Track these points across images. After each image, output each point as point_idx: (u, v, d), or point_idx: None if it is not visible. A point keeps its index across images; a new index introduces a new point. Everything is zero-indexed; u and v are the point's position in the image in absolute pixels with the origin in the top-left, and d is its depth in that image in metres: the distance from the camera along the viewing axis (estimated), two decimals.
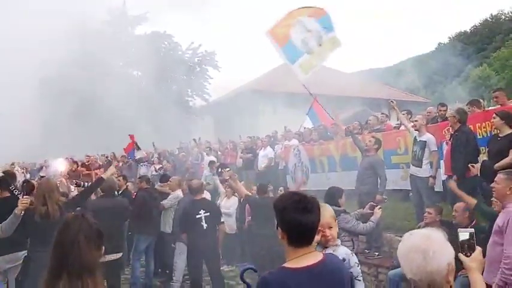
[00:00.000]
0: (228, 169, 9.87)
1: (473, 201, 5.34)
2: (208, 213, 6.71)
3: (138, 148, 15.28)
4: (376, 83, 33.10)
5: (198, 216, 6.63)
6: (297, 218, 2.15)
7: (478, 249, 2.16)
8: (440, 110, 9.01)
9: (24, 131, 22.41)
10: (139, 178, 8.95)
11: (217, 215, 7.09)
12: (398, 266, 6.23)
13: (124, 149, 16.06)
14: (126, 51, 29.05)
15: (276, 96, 24.71)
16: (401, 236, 6.70)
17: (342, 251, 3.42)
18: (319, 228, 2.45)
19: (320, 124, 12.71)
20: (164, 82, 29.52)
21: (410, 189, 8.43)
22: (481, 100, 9.20)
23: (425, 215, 6.07)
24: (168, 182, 8.72)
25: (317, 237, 2.38)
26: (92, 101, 25.16)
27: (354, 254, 3.56)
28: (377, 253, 7.50)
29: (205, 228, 6.63)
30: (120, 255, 6.40)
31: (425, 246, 1.94)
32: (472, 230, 2.23)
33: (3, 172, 5.86)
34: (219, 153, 15.06)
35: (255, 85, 28.61)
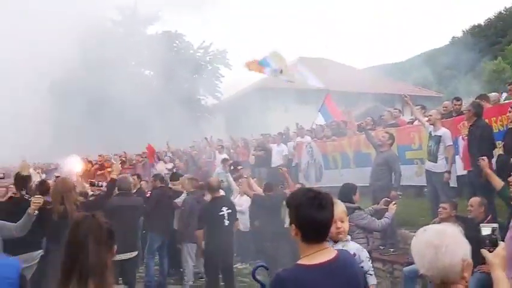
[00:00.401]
0: (240, 167, 9.96)
1: (500, 183, 5.18)
2: (230, 210, 6.78)
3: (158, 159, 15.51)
4: (388, 79, 32.87)
5: (221, 213, 6.65)
6: (312, 215, 2.13)
7: (501, 244, 2.10)
8: (455, 105, 8.87)
9: (36, 132, 22.68)
10: (153, 177, 8.98)
11: (235, 212, 7.13)
12: (414, 262, 6.22)
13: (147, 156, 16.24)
14: (137, 51, 29.24)
15: (287, 93, 24.66)
16: (416, 232, 6.64)
17: (353, 246, 3.43)
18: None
19: (333, 120, 12.66)
20: (176, 81, 29.62)
21: (424, 185, 8.37)
22: (498, 94, 9.06)
23: (440, 210, 5.99)
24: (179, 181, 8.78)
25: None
26: (104, 101, 25.37)
27: (364, 249, 3.57)
28: (392, 249, 7.44)
29: (227, 225, 6.68)
30: (135, 253, 6.43)
31: (438, 242, 1.93)
32: (495, 224, 2.17)
33: (18, 173, 5.89)
34: (231, 151, 15.09)
35: (266, 83, 28.56)
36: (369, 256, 3.53)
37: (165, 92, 27.84)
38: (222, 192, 7.57)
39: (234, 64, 33.49)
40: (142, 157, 17.06)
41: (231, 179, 9.79)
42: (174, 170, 13.09)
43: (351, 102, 19.79)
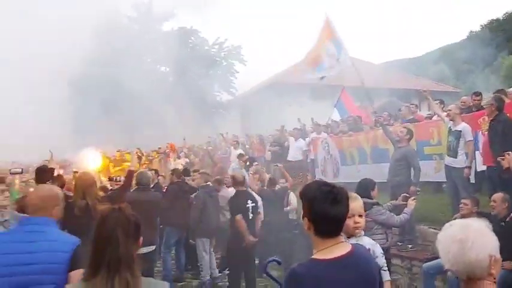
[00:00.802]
0: (256, 163, 9.96)
1: None
2: (253, 204, 6.87)
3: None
4: (405, 74, 32.51)
5: (247, 206, 6.75)
6: (326, 210, 2.08)
7: None
8: (475, 99, 8.74)
9: (55, 128, 22.93)
10: (171, 172, 9.04)
11: (258, 205, 7.18)
12: (434, 259, 6.15)
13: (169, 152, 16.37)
14: (153, 47, 29.38)
15: (302, 89, 24.55)
16: (435, 228, 6.62)
17: (366, 241, 3.37)
18: (349, 215, 2.40)
19: (349, 115, 12.59)
20: (191, 77, 29.74)
21: (442, 181, 8.28)
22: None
23: (461, 206, 5.92)
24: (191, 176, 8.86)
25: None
26: (120, 98, 25.57)
27: (378, 244, 3.52)
28: (410, 246, 7.37)
29: (250, 218, 6.76)
30: (153, 248, 6.48)
31: (464, 236, 1.90)
32: None
33: (40, 167, 5.97)
34: (246, 146, 15.11)
35: (280, 78, 28.49)
36: (382, 252, 3.48)
37: (180, 88, 27.94)
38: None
39: (248, 60, 33.54)
40: (158, 153, 17.19)
41: (246, 174, 9.81)
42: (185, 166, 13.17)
43: (367, 97, 19.59)
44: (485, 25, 49.79)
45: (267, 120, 19.37)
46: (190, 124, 24.47)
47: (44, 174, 5.63)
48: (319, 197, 2.11)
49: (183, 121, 24.60)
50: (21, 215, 4.19)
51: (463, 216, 5.81)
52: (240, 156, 11.75)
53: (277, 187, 8.59)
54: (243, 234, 6.63)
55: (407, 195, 5.88)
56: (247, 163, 10.69)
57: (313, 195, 2.13)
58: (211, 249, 7.76)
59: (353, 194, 2.96)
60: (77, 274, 2.50)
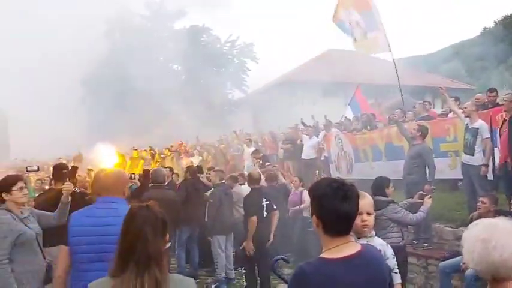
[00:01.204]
0: (268, 163, 9.94)
1: None
2: (268, 202, 6.86)
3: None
4: (418, 71, 32.22)
5: (262, 203, 6.76)
6: (336, 207, 2.02)
7: None
8: (490, 96, 8.64)
9: (67, 128, 23.17)
10: (185, 169, 9.08)
11: (272, 204, 7.16)
12: (450, 257, 6.10)
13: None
14: (165, 46, 29.50)
15: (314, 86, 24.47)
16: (451, 227, 6.55)
17: (377, 242, 3.28)
18: (358, 212, 2.34)
19: (363, 113, 12.51)
20: (203, 75, 29.83)
21: (458, 178, 8.19)
22: None
23: (478, 204, 5.85)
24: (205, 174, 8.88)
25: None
26: (133, 97, 25.75)
27: (389, 246, 3.40)
28: (426, 244, 7.31)
29: (265, 216, 6.76)
30: (169, 245, 6.49)
31: (488, 236, 1.87)
32: None
33: (57, 165, 6.02)
34: (259, 144, 15.09)
35: (293, 76, 28.43)
36: (393, 254, 3.37)
37: (192, 86, 28.04)
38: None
39: (260, 58, 33.50)
40: (170, 151, 17.25)
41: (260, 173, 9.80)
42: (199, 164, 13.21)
43: (380, 94, 19.47)
44: (499, 21, 49.07)
45: (279, 118, 19.35)
46: (203, 122, 24.54)
47: (60, 171, 5.66)
48: (328, 194, 2.05)
49: (196, 119, 24.69)
50: (40, 212, 4.23)
51: (480, 215, 5.75)
52: (255, 152, 11.72)
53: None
54: (249, 237, 6.66)
55: (423, 193, 5.83)
56: (261, 161, 10.68)
57: (322, 192, 2.08)
58: (229, 247, 7.75)
59: (362, 192, 2.89)
60: None
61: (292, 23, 74.76)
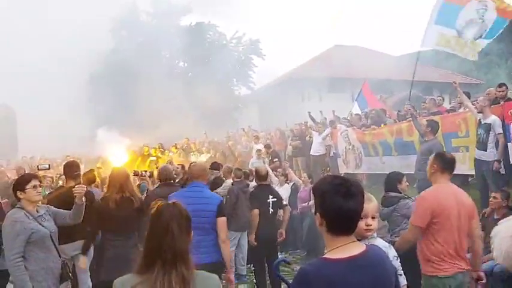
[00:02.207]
0: (276, 160, 9.90)
1: None
2: (275, 199, 6.80)
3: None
4: (425, 66, 32.03)
5: (268, 200, 6.71)
6: (338, 203, 1.96)
7: None
8: (499, 91, 8.49)
9: (75, 126, 23.23)
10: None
11: (280, 201, 7.12)
12: None
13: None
14: (171, 42, 29.49)
15: (321, 82, 24.41)
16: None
17: (380, 243, 3.16)
18: (362, 215, 2.25)
19: (372, 109, 12.45)
20: (209, 72, 29.82)
21: (468, 173, 8.12)
22: None
23: (491, 200, 5.82)
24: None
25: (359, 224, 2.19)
26: (139, 93, 25.77)
27: (391, 247, 3.32)
28: None
29: (270, 213, 6.71)
30: None
31: None
32: None
33: (67, 162, 6.02)
34: (267, 141, 15.08)
35: (299, 72, 28.35)
36: (396, 255, 3.27)
37: (199, 82, 28.02)
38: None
39: (267, 54, 33.39)
40: (177, 148, 17.29)
41: (269, 169, 9.77)
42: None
43: (388, 89, 19.36)
44: None
45: (285, 115, 19.33)
46: (210, 119, 24.55)
47: (71, 169, 5.68)
48: (330, 190, 2.00)
49: (202, 116, 24.71)
50: (56, 210, 4.24)
51: (492, 210, 5.72)
52: (267, 147, 11.65)
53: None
54: (252, 231, 6.65)
55: None
56: (270, 157, 10.67)
57: (324, 189, 2.03)
58: (244, 243, 7.73)
59: (368, 195, 2.82)
60: (222, 220, 4.44)
61: (298, 19, 74.44)
